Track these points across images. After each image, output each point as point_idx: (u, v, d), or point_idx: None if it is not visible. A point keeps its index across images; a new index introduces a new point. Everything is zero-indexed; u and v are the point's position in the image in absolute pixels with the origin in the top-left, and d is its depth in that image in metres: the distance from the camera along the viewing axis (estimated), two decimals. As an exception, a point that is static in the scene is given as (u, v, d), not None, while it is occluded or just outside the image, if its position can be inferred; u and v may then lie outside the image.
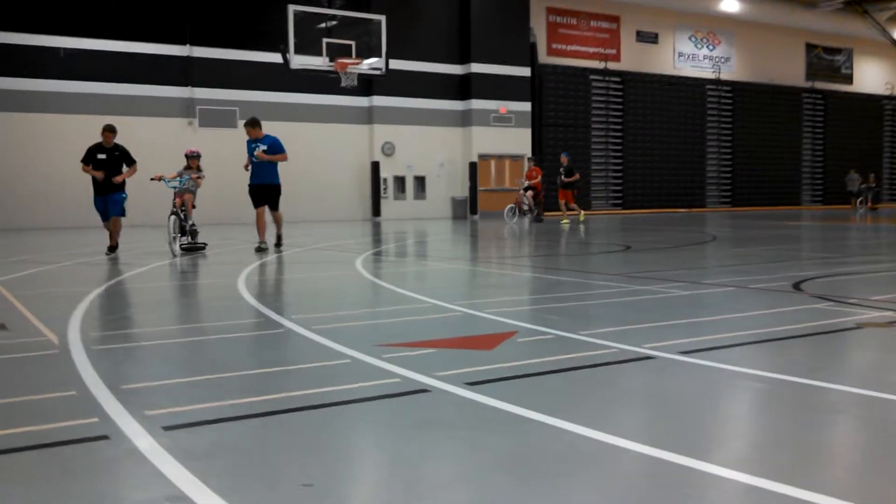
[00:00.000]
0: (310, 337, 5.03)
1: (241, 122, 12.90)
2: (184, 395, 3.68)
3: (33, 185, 23.38)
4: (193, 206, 12.90)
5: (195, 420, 3.24)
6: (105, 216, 12.42)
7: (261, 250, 12.35)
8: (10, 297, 7.37)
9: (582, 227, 20.96)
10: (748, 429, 3.18)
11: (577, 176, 23.23)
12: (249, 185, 12.79)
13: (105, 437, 3.05)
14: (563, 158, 23.10)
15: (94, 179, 12.33)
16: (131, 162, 12.46)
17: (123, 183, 12.47)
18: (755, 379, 3.83)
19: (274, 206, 12.76)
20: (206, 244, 13.16)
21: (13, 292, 7.64)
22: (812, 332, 5.04)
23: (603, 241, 15.31)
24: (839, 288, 7.53)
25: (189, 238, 12.69)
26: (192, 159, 13.04)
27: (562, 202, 22.85)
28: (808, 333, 4.99)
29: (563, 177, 22.73)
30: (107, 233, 12.61)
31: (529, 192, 23.59)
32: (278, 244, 13.10)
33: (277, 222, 13.08)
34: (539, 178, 23.73)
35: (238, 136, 19.49)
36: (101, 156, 12.35)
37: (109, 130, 12.43)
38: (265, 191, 12.68)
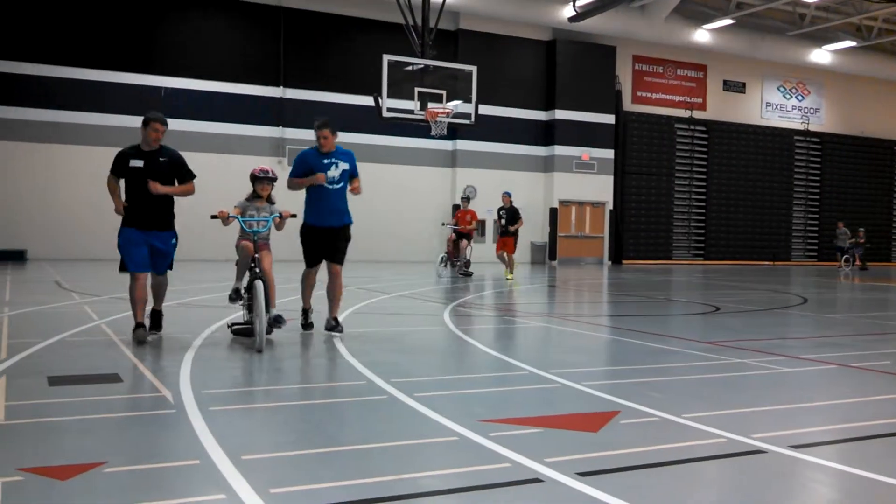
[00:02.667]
0: (414, 406, 5.10)
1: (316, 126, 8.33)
2: (304, 471, 3.78)
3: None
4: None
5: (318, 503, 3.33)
6: (140, 263, 7.56)
7: (309, 326, 8.56)
8: (117, 341, 7.67)
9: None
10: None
11: (521, 223, 18.50)
12: (314, 227, 8.30)
13: (235, 517, 3.17)
14: (506, 199, 18.34)
15: (128, 200, 7.58)
16: (188, 177, 7.87)
17: (173, 218, 7.89)
18: (879, 486, 3.73)
19: (340, 260, 8.30)
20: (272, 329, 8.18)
21: (120, 337, 7.94)
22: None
23: (687, 300, 15.08)
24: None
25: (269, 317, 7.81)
26: (265, 185, 8.17)
27: (500, 253, 18.39)
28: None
29: (502, 221, 18.25)
30: (125, 281, 7.74)
31: (463, 242, 19.65)
32: (335, 327, 8.28)
33: (338, 290, 8.33)
34: (474, 224, 19.97)
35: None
36: (137, 162, 7.54)
37: (157, 121, 7.58)
38: (339, 236, 8.29)
